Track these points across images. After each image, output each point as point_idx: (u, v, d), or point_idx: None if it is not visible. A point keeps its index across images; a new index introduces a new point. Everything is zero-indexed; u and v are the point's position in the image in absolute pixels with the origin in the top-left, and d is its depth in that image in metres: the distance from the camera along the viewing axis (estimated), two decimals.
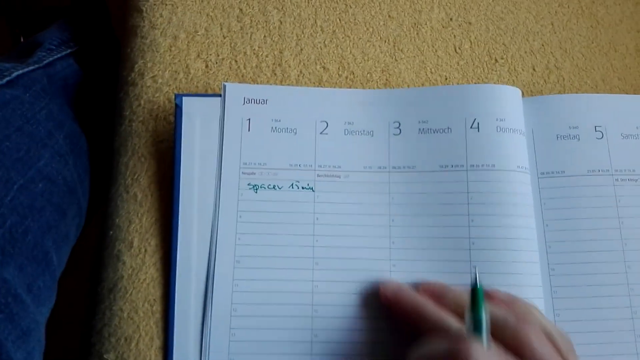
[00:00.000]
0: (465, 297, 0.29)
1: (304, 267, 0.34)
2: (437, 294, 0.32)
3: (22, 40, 0.72)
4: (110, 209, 0.36)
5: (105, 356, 0.33)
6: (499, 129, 0.36)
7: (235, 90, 0.37)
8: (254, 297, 0.33)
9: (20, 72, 0.42)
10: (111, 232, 0.35)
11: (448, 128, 0.36)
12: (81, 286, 0.39)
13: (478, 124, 0.36)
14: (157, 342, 0.33)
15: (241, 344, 0.32)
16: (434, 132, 0.36)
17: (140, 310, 0.34)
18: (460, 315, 0.29)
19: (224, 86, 0.37)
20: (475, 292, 0.28)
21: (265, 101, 0.37)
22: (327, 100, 0.37)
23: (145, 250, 0.35)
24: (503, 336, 0.28)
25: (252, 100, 0.37)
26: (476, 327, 0.27)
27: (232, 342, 0.32)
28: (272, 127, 0.36)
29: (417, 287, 0.33)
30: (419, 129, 0.37)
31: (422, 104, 0.37)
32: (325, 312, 0.33)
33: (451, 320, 0.30)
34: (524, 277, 0.34)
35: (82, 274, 0.41)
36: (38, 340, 0.32)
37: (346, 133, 0.37)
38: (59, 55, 0.48)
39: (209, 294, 0.33)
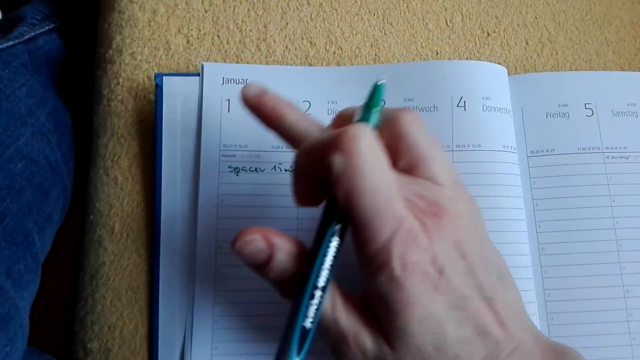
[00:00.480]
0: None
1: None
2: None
3: (1, 15, 0.70)
4: (90, 192, 0.35)
5: (88, 345, 0.32)
6: (484, 108, 0.35)
7: (213, 70, 0.36)
8: (237, 284, 0.32)
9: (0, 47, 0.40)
10: (91, 217, 0.34)
11: (434, 106, 0.35)
12: (69, 271, 0.38)
13: (465, 102, 0.35)
14: (142, 330, 0.33)
15: (225, 332, 0.32)
16: (420, 111, 0.35)
17: (124, 297, 0.33)
18: None
19: (202, 66, 0.35)
20: (376, 88, 0.27)
21: (245, 81, 0.35)
22: (309, 79, 0.36)
23: (127, 235, 0.34)
24: (382, 130, 0.26)
25: (232, 80, 0.35)
26: (365, 118, 0.26)
27: (216, 330, 0.32)
28: None
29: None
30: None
31: (408, 81, 0.36)
32: None
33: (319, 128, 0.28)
34: (514, 258, 0.33)
35: (70, 258, 0.40)
36: (20, 326, 0.31)
37: (329, 113, 0.36)
38: (41, 30, 0.46)
39: (192, 282, 0.32)
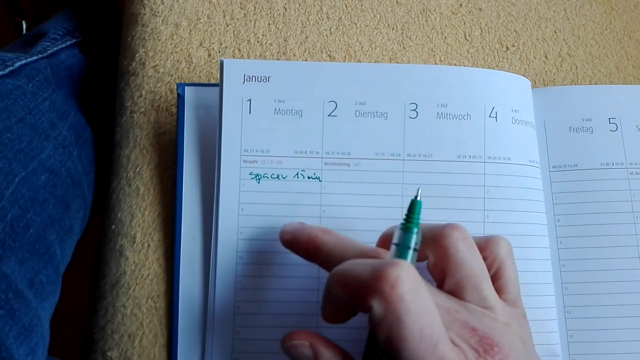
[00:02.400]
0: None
1: (310, 264, 0.33)
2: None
3: (24, 29, 0.71)
4: (112, 203, 0.36)
5: (108, 354, 0.32)
6: (514, 120, 0.35)
7: (234, 67, 0.34)
8: (257, 295, 0.32)
9: (23, 62, 0.41)
10: (113, 227, 0.35)
11: (467, 115, 0.34)
12: (87, 281, 0.38)
13: (496, 113, 0.35)
14: (161, 340, 0.33)
15: (245, 343, 0.32)
16: (453, 118, 0.34)
17: (144, 306, 0.33)
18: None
19: (222, 62, 0.34)
20: (414, 204, 0.26)
21: (267, 78, 0.34)
22: (336, 77, 0.34)
23: (149, 245, 0.34)
24: (427, 248, 0.26)
25: (253, 78, 0.34)
26: (405, 242, 0.25)
27: (236, 341, 0.32)
28: (275, 109, 0.34)
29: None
30: (437, 113, 0.34)
31: (441, 85, 0.35)
32: None
33: (357, 244, 0.28)
34: (535, 275, 0.33)
35: (88, 269, 0.40)
36: (41, 336, 0.31)
37: (357, 115, 0.34)
38: (63, 45, 0.47)
39: (211, 292, 0.32)
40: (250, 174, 0.33)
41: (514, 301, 0.27)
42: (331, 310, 0.27)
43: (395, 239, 0.25)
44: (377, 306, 0.23)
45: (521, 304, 0.28)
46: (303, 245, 0.29)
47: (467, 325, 0.25)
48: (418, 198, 0.26)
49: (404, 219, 0.26)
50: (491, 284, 0.27)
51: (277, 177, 0.34)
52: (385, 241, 0.29)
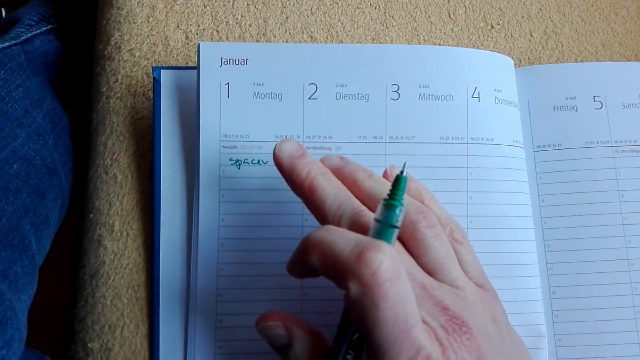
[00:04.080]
0: (378, 189, 0.27)
1: (291, 249, 0.32)
2: (351, 180, 0.28)
3: (4, 14, 0.69)
4: (90, 191, 0.35)
5: (89, 345, 0.32)
6: (497, 101, 0.34)
7: (211, 50, 0.33)
8: (240, 282, 0.32)
9: None
10: (91, 216, 0.34)
11: (450, 95, 0.34)
12: (68, 272, 0.38)
13: (479, 93, 0.34)
14: (143, 329, 0.32)
15: (228, 330, 0.31)
16: (435, 99, 0.34)
17: (124, 296, 0.33)
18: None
19: (199, 45, 0.33)
20: (399, 180, 0.25)
21: (245, 61, 0.33)
22: (316, 59, 0.33)
23: (128, 234, 0.34)
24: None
25: (231, 61, 0.33)
26: (388, 219, 0.25)
27: (219, 329, 0.31)
28: (254, 93, 0.33)
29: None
30: (419, 95, 0.34)
31: (423, 65, 0.34)
32: (315, 294, 0.32)
33: (353, 203, 0.27)
34: (520, 255, 0.33)
35: (69, 259, 0.39)
36: (17, 328, 0.31)
37: (338, 97, 0.34)
38: (38, 31, 0.46)
39: (193, 280, 0.32)
40: (230, 159, 0.33)
41: (481, 284, 0.28)
42: (301, 270, 0.26)
43: (377, 215, 0.25)
44: (354, 289, 0.23)
45: (490, 286, 0.28)
46: (298, 180, 0.28)
47: (440, 304, 0.25)
48: (404, 173, 0.26)
49: (388, 195, 0.25)
50: (459, 265, 0.27)
51: (258, 163, 0.33)
52: (386, 178, 0.29)
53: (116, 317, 0.32)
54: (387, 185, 0.26)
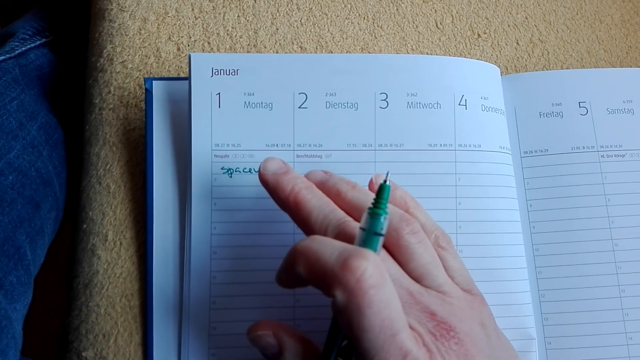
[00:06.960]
0: (362, 199, 0.28)
1: (283, 257, 0.32)
2: (335, 192, 0.29)
3: None
4: (83, 201, 0.35)
5: (83, 354, 0.32)
6: (483, 108, 0.35)
7: (202, 61, 0.33)
8: (233, 289, 0.32)
9: None
10: (85, 226, 0.34)
11: (437, 103, 0.34)
12: (63, 281, 0.38)
13: (466, 101, 0.35)
14: (136, 338, 0.32)
15: (221, 338, 0.31)
16: (423, 107, 0.34)
17: (118, 305, 0.33)
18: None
19: (190, 56, 0.34)
20: (382, 188, 0.26)
21: (236, 72, 0.34)
22: (305, 69, 0.34)
23: (121, 244, 0.34)
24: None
25: (222, 72, 0.34)
26: (372, 227, 0.25)
27: (212, 337, 0.31)
28: (244, 102, 0.33)
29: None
30: (408, 103, 0.34)
31: (411, 74, 0.35)
32: (308, 301, 0.32)
33: (338, 214, 0.27)
34: (509, 260, 0.33)
35: (64, 269, 0.40)
36: (12, 337, 0.31)
37: (327, 106, 0.34)
38: (32, 45, 0.47)
39: (186, 288, 0.32)
40: (222, 168, 0.33)
41: (467, 289, 0.28)
42: (289, 280, 0.27)
43: (362, 223, 0.25)
44: (340, 296, 0.23)
45: (477, 291, 0.28)
46: (283, 195, 0.28)
47: (427, 310, 0.25)
48: (387, 182, 0.26)
49: (372, 204, 0.26)
50: (445, 271, 0.27)
51: (250, 171, 0.33)
52: (372, 186, 0.30)
53: (110, 325, 0.32)
54: (371, 196, 0.27)
